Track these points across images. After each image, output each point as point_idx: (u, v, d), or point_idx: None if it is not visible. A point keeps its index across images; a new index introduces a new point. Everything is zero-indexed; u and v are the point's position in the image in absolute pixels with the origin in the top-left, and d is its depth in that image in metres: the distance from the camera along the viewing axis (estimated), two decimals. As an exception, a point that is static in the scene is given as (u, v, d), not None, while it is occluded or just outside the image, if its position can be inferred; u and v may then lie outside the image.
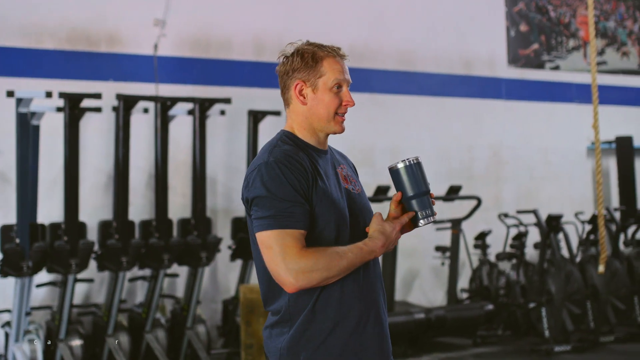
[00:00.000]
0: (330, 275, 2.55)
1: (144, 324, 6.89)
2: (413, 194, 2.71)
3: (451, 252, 8.54)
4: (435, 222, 2.86)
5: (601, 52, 10.87)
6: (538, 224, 8.25)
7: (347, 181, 2.77)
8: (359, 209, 2.74)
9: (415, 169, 2.72)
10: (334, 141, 2.93)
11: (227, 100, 7.39)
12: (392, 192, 8.33)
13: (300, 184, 2.58)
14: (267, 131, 7.80)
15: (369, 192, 7.51)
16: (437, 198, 8.17)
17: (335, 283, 2.61)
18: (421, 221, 2.72)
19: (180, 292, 7.60)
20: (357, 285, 2.66)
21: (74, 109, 6.65)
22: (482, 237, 8.96)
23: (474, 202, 8.72)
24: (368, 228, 2.68)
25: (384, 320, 2.75)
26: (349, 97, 2.75)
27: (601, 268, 6.97)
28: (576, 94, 10.50)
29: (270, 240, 2.54)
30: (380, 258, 3.05)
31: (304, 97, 2.74)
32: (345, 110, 2.75)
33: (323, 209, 2.62)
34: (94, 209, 7.39)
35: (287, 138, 2.74)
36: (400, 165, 2.72)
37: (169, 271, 7.12)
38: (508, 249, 9.01)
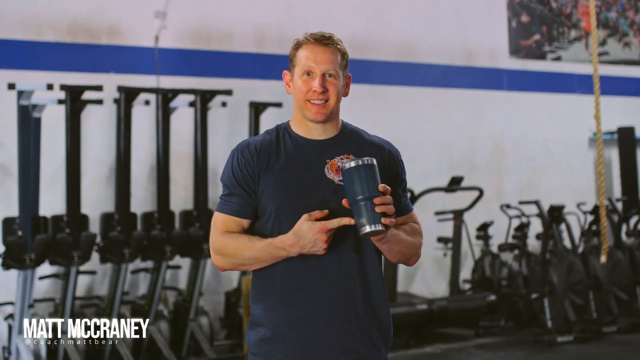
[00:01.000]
0: (239, 262, 2.65)
1: (147, 316, 6.89)
2: (359, 197, 2.54)
3: (453, 243, 8.54)
4: (379, 233, 2.57)
5: (603, 43, 10.85)
6: (540, 214, 8.25)
7: (339, 172, 2.70)
8: (341, 201, 2.61)
9: (365, 170, 2.55)
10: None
11: (228, 92, 7.38)
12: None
13: (243, 175, 2.70)
14: (269, 123, 7.79)
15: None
16: (439, 189, 8.17)
17: (271, 274, 2.67)
18: (361, 229, 2.54)
19: (182, 284, 7.60)
20: (297, 280, 2.65)
21: (75, 102, 6.64)
22: (484, 228, 8.96)
23: (475, 193, 8.71)
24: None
25: (346, 318, 2.66)
26: (316, 83, 2.68)
27: (603, 258, 6.98)
28: (578, 84, 10.49)
29: (213, 219, 2.76)
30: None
31: (289, 87, 2.80)
32: (314, 97, 2.69)
33: (267, 199, 2.67)
34: (96, 201, 7.39)
35: (275, 128, 2.82)
36: (346, 167, 2.56)
37: (171, 263, 7.12)
38: (510, 240, 9.01)
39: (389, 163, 2.82)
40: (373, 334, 2.73)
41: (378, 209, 2.53)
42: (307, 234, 2.53)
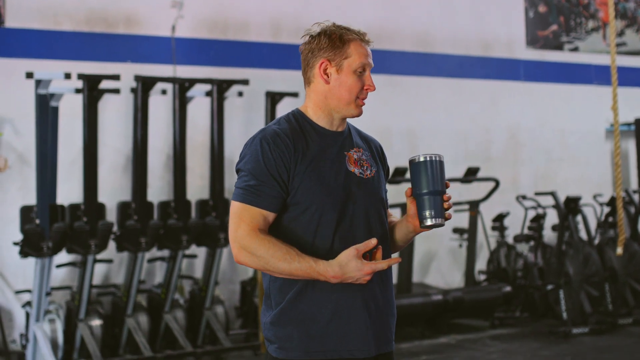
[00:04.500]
0: (268, 268, 2.59)
1: (163, 305, 6.93)
2: (425, 190, 2.62)
3: (469, 233, 8.53)
4: (440, 226, 2.66)
5: (621, 33, 10.79)
6: (556, 206, 8.23)
7: (357, 164, 2.72)
8: (364, 194, 2.69)
9: (433, 166, 2.63)
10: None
11: (244, 82, 7.39)
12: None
13: (277, 166, 2.62)
14: (285, 112, 7.78)
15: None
16: (455, 180, 8.15)
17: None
18: (424, 221, 2.63)
19: (198, 273, 7.64)
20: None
21: (92, 91, 6.67)
22: (500, 219, 8.94)
23: (491, 184, 8.69)
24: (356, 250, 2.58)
25: (374, 308, 2.69)
26: (371, 81, 2.74)
27: (619, 250, 6.95)
28: (595, 75, 10.43)
29: (234, 210, 2.63)
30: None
31: (328, 77, 2.73)
32: (366, 95, 2.74)
33: (305, 192, 2.63)
34: (113, 190, 7.43)
35: (292, 116, 2.76)
36: (421, 159, 2.63)
37: (187, 252, 7.14)
38: (526, 231, 8.99)
39: (384, 160, 2.91)
40: (392, 321, 2.78)
41: (446, 205, 2.64)
42: (354, 272, 2.53)
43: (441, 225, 2.63)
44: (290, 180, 2.63)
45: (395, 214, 2.99)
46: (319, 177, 2.64)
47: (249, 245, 2.59)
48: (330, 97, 2.73)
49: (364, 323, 2.66)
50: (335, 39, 2.72)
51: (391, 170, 7.83)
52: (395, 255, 2.86)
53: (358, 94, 2.72)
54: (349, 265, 2.51)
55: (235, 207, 2.63)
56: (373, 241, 2.53)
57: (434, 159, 2.63)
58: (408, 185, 2.81)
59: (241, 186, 2.64)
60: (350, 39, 2.72)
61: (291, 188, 2.64)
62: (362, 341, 2.66)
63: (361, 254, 2.52)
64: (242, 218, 2.61)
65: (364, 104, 2.74)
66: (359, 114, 2.74)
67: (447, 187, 2.64)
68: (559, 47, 10.33)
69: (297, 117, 2.75)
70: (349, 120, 2.86)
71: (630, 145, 10.54)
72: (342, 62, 2.71)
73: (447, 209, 2.65)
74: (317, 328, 2.64)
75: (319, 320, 2.63)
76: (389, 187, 2.95)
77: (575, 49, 10.45)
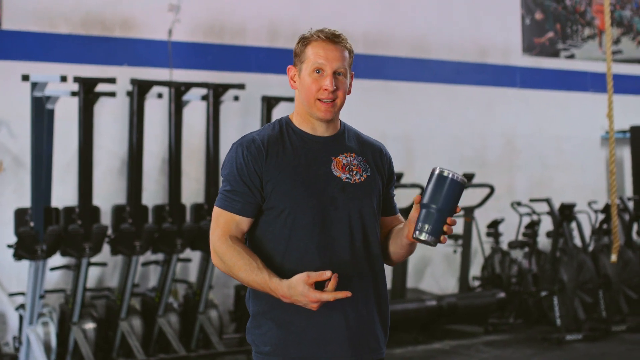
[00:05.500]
0: (232, 275, 2.63)
1: (157, 308, 6.92)
2: (434, 205, 2.54)
3: (463, 239, 8.54)
4: (431, 245, 2.58)
5: (617, 41, 10.81)
6: (551, 212, 8.24)
7: (345, 169, 2.72)
8: (348, 199, 2.68)
9: (454, 185, 2.55)
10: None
11: (241, 86, 7.39)
12: (405, 180, 8.33)
13: (249, 172, 2.65)
14: (281, 117, 7.79)
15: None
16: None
17: (280, 269, 2.62)
18: (417, 232, 2.56)
19: (192, 277, 7.63)
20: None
21: (88, 94, 6.67)
22: (494, 225, 8.96)
23: (486, 190, 8.70)
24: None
25: (354, 315, 2.67)
26: (327, 82, 2.65)
27: (614, 257, 6.97)
28: (591, 83, 10.46)
29: (213, 214, 2.72)
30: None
31: (294, 82, 2.76)
32: (325, 96, 2.66)
33: (279, 197, 2.64)
34: (108, 193, 7.42)
35: (277, 123, 2.78)
36: (445, 174, 2.56)
37: (181, 256, 7.13)
38: (520, 238, 9.00)
39: (387, 165, 2.86)
40: (377, 328, 2.75)
41: (446, 228, 2.56)
42: (300, 297, 2.49)
43: (432, 244, 2.56)
44: (264, 185, 2.65)
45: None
46: (294, 181, 2.64)
47: (219, 251, 2.65)
48: (300, 101, 2.75)
49: (341, 330, 2.65)
50: (299, 44, 2.73)
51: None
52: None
53: (316, 95, 2.68)
54: (296, 289, 2.49)
55: (214, 211, 2.72)
56: (327, 273, 2.47)
57: (457, 179, 2.55)
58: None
59: (220, 191, 2.72)
60: (311, 41, 2.70)
61: (265, 193, 2.66)
62: (339, 348, 2.65)
63: (311, 281, 2.48)
64: (218, 223, 2.68)
65: (327, 105, 2.68)
66: (324, 117, 2.69)
67: (457, 211, 2.57)
68: (555, 54, 10.36)
69: (282, 124, 2.77)
70: (349, 123, 2.87)
71: (625, 152, 10.56)
72: (301, 66, 2.71)
73: (446, 233, 2.57)
74: (294, 334, 2.64)
75: (296, 326, 2.64)
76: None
77: (572, 56, 10.48)
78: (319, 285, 2.51)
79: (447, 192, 2.55)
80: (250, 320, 2.74)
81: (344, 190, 2.69)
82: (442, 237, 2.57)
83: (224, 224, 2.67)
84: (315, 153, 2.71)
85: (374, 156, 2.83)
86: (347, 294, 2.48)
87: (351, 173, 2.72)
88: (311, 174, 2.67)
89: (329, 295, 2.47)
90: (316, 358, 2.65)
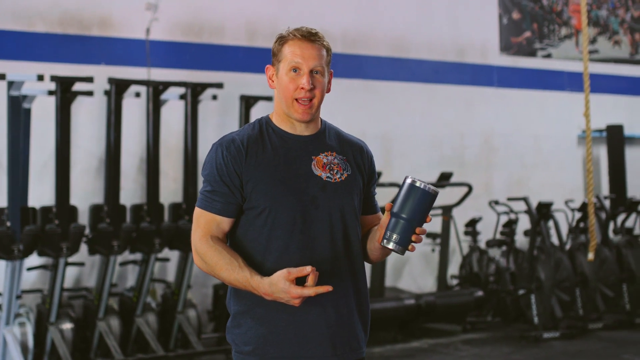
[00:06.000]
0: (214, 275, 2.64)
1: (135, 308, 6.89)
2: (404, 215, 2.53)
3: (442, 238, 8.57)
4: (399, 253, 2.57)
5: (593, 41, 10.89)
6: (528, 211, 8.29)
7: (325, 168, 2.71)
8: (328, 198, 2.68)
9: (426, 197, 2.52)
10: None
11: (219, 85, 7.38)
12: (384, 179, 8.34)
13: (229, 172, 2.65)
14: (259, 116, 7.77)
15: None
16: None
17: (260, 267, 2.62)
18: (385, 241, 2.55)
19: (171, 276, 7.60)
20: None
21: (65, 93, 6.63)
22: (472, 224, 8.99)
23: (464, 189, 8.74)
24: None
25: (335, 314, 2.67)
26: (304, 80, 2.64)
27: (591, 255, 7.02)
28: (568, 82, 10.52)
29: (194, 215, 2.72)
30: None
31: (272, 82, 2.76)
32: (302, 95, 2.66)
33: (259, 196, 2.64)
34: (85, 192, 7.38)
35: (257, 122, 2.78)
36: (417, 184, 2.53)
37: (160, 255, 7.11)
38: (498, 236, 9.04)
39: (368, 163, 2.86)
40: (358, 328, 2.75)
41: (415, 238, 2.55)
42: (281, 293, 2.49)
43: (400, 253, 2.56)
44: (244, 185, 2.65)
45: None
46: (274, 181, 2.64)
47: (200, 250, 2.65)
48: (278, 100, 2.74)
49: (322, 329, 2.65)
50: (277, 43, 2.73)
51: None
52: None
53: (294, 94, 2.67)
54: (278, 285, 2.49)
55: (195, 212, 2.72)
56: (307, 268, 2.48)
57: (429, 190, 2.53)
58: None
59: (201, 191, 2.72)
60: (287, 40, 2.69)
61: (246, 193, 2.66)
62: (320, 347, 2.66)
63: (292, 277, 2.48)
64: (199, 223, 2.68)
65: (305, 106, 2.67)
66: (301, 118, 2.69)
67: (427, 221, 2.56)
68: (532, 53, 10.41)
69: (262, 123, 2.77)
70: (336, 119, 2.87)
71: (602, 151, 10.64)
72: (279, 65, 2.71)
73: (415, 242, 2.56)
74: (274, 333, 2.64)
75: (276, 325, 2.64)
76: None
77: (549, 56, 10.54)
78: (300, 282, 2.51)
79: (418, 203, 2.53)
80: (231, 320, 2.73)
81: (324, 189, 2.69)
82: (410, 246, 2.56)
83: (204, 224, 2.67)
84: (296, 152, 2.71)
85: (355, 155, 2.83)
86: (329, 288, 2.49)
87: (332, 172, 2.72)
88: (291, 173, 2.67)
89: (310, 290, 2.47)
90: (297, 357, 2.65)
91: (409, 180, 2.56)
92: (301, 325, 2.64)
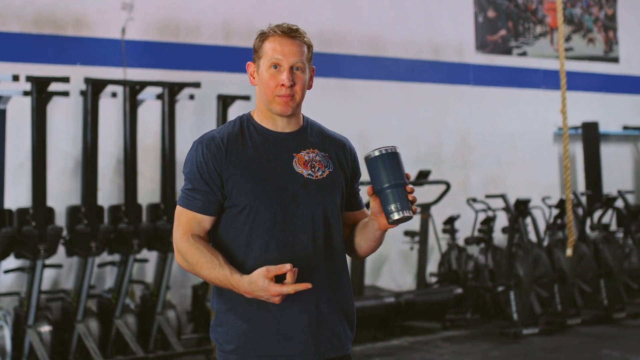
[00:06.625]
0: (195, 273, 2.63)
1: (114, 310, 6.84)
2: (386, 185, 2.52)
3: (420, 236, 8.59)
4: (408, 219, 2.56)
5: (568, 39, 10.96)
6: (507, 208, 8.32)
7: (307, 166, 2.69)
8: (310, 196, 2.66)
9: (390, 158, 2.54)
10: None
11: (196, 85, 7.35)
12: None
13: (209, 170, 2.63)
14: (237, 115, 7.75)
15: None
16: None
17: (240, 267, 2.60)
18: (390, 216, 2.52)
19: (149, 277, 7.56)
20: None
21: (41, 93, 6.58)
22: (450, 221, 9.02)
23: (442, 187, 8.76)
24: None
25: (316, 313, 2.66)
26: (284, 77, 2.63)
27: (569, 252, 7.06)
28: (543, 79, 10.59)
29: (175, 213, 2.71)
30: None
31: (254, 78, 2.74)
32: (282, 92, 2.64)
33: (239, 194, 2.63)
34: (62, 194, 7.31)
35: (238, 120, 2.76)
36: (376, 154, 2.55)
37: (138, 256, 7.06)
38: (476, 234, 9.07)
39: (350, 160, 2.83)
40: (341, 325, 2.74)
41: (411, 197, 2.55)
42: (261, 291, 2.48)
43: (409, 217, 2.55)
44: (225, 183, 2.64)
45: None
46: (254, 178, 2.63)
47: (181, 249, 2.64)
48: (260, 96, 2.73)
49: (303, 327, 2.64)
50: (257, 39, 2.72)
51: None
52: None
53: (274, 91, 2.66)
54: (257, 283, 2.48)
55: (176, 210, 2.71)
56: (287, 266, 2.46)
57: (389, 151, 2.54)
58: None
59: (182, 190, 2.71)
60: (268, 36, 2.68)
61: (226, 191, 2.64)
62: (301, 346, 2.64)
63: (271, 275, 2.47)
64: (180, 221, 2.67)
65: (286, 100, 2.65)
66: (282, 112, 2.67)
67: (408, 178, 2.56)
68: (507, 51, 10.46)
69: (243, 120, 2.75)
70: (312, 118, 2.85)
71: (577, 148, 10.71)
72: (259, 62, 2.70)
73: (413, 202, 2.56)
74: (256, 332, 2.63)
75: (258, 324, 2.63)
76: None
77: (524, 54, 10.60)
78: (280, 280, 2.50)
79: (389, 167, 2.54)
80: (214, 319, 2.72)
81: (305, 186, 2.67)
82: (412, 207, 2.56)
83: (185, 222, 2.65)
84: (277, 149, 2.69)
85: (337, 152, 2.80)
86: (308, 285, 2.48)
87: (313, 169, 2.70)
88: (272, 170, 2.65)
89: (289, 288, 2.46)
90: (278, 355, 2.63)
91: (369, 156, 2.57)
92: (282, 323, 2.63)
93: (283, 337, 2.63)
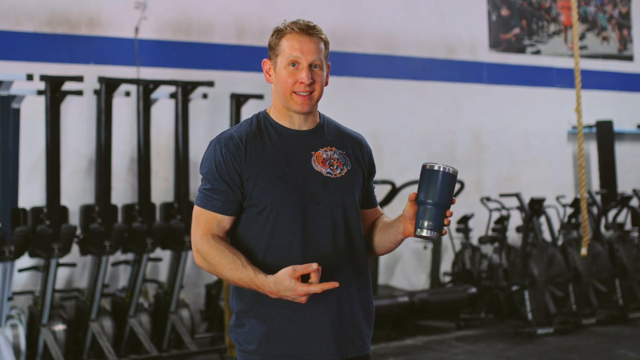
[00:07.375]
0: (217, 274, 2.61)
1: (128, 309, 6.84)
2: (431, 201, 2.52)
3: (434, 235, 8.54)
4: (434, 240, 2.56)
5: (582, 37, 10.91)
6: (521, 207, 8.28)
7: (325, 164, 2.68)
8: (330, 194, 2.65)
9: (447, 178, 2.53)
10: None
11: (209, 84, 7.34)
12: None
13: (228, 170, 2.61)
14: (250, 114, 7.71)
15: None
16: (417, 182, 8.16)
17: (262, 266, 2.58)
18: (419, 230, 2.53)
19: (163, 276, 7.56)
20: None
21: (55, 92, 6.58)
22: (464, 220, 8.98)
23: (456, 186, 8.72)
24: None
25: (338, 312, 2.64)
26: (303, 75, 2.62)
27: (584, 251, 7.02)
28: (557, 78, 10.54)
29: (193, 213, 2.68)
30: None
31: (270, 76, 2.72)
32: (301, 89, 2.62)
33: (260, 193, 2.61)
34: (76, 193, 7.33)
35: (255, 118, 2.74)
36: (436, 167, 2.54)
37: (152, 255, 7.07)
38: (490, 233, 9.04)
39: (367, 157, 2.82)
40: (362, 324, 2.72)
41: (446, 221, 2.54)
42: (287, 291, 2.46)
43: (435, 239, 2.56)
44: (245, 182, 2.61)
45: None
46: (274, 178, 2.61)
47: (201, 250, 2.61)
48: (277, 94, 2.70)
49: (326, 327, 2.62)
50: (273, 37, 2.69)
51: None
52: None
53: (292, 88, 2.64)
54: (283, 283, 2.45)
55: (194, 210, 2.67)
56: (313, 266, 2.44)
57: (449, 171, 2.54)
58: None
59: (200, 190, 2.67)
60: (285, 34, 2.66)
61: (246, 190, 2.62)
62: (323, 346, 2.62)
63: (298, 274, 2.44)
64: (199, 222, 2.64)
65: (304, 98, 2.63)
66: (301, 110, 2.65)
67: (453, 202, 2.55)
68: (521, 50, 10.42)
69: (260, 119, 2.73)
70: (329, 116, 2.83)
71: (592, 147, 10.66)
72: (276, 59, 2.68)
73: (447, 225, 2.55)
74: (277, 332, 2.61)
75: (279, 323, 2.61)
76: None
77: (537, 52, 10.55)
78: (304, 279, 2.48)
79: (441, 185, 2.53)
80: (234, 319, 2.70)
81: (325, 185, 2.65)
82: (443, 230, 2.55)
83: (205, 223, 2.63)
84: (295, 148, 2.67)
85: (354, 149, 2.79)
86: (335, 284, 2.45)
87: (332, 167, 2.69)
88: (291, 169, 2.63)
89: (316, 287, 2.43)
90: (300, 355, 2.62)
91: (427, 166, 2.56)
92: (304, 323, 2.61)
93: (305, 337, 2.61)
